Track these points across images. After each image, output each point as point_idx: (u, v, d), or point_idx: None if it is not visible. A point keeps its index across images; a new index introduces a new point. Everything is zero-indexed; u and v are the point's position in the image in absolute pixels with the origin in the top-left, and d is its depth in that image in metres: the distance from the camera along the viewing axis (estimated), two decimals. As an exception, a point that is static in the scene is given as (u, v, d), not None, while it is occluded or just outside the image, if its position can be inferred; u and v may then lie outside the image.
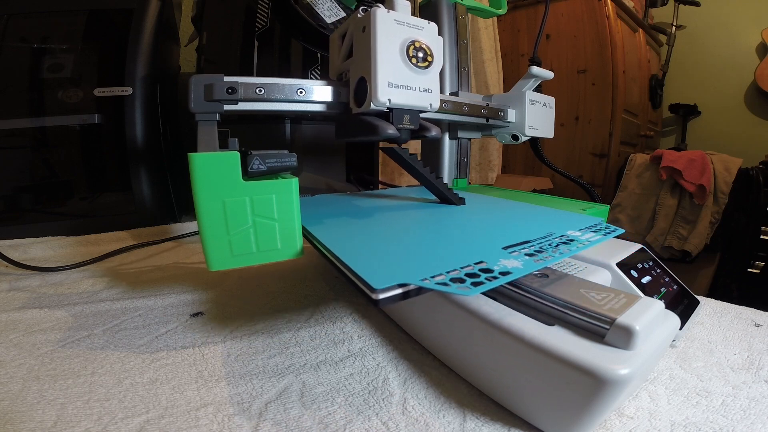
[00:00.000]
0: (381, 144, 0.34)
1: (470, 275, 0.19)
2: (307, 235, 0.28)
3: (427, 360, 0.29)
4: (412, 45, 0.27)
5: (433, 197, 0.41)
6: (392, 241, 0.26)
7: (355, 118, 0.30)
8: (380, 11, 0.26)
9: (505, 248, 0.24)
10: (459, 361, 0.27)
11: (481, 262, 0.21)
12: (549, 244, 0.25)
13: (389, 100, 0.27)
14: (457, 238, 0.27)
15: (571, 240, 0.26)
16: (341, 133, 0.34)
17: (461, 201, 0.39)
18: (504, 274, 0.20)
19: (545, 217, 0.33)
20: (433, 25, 0.29)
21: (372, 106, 0.27)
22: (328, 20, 0.53)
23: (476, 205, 0.39)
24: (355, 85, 0.29)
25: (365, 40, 0.27)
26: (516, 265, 0.21)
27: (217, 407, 0.23)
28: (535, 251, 0.23)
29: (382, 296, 0.18)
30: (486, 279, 0.19)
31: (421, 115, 0.35)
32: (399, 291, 0.19)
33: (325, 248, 0.25)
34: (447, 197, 0.39)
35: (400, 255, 0.23)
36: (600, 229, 0.28)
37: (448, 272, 0.20)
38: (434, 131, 0.31)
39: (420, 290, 0.19)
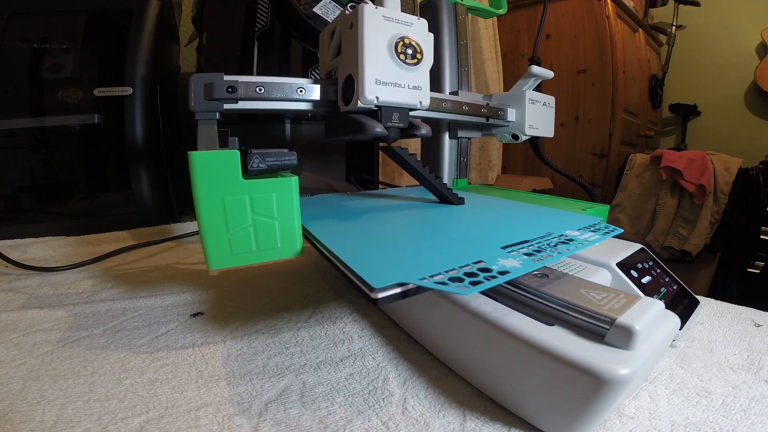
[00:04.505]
0: (380, 143, 0.33)
1: (469, 275, 0.19)
2: (306, 234, 0.28)
3: (427, 360, 0.29)
4: (401, 41, 0.27)
5: (433, 197, 0.41)
6: (391, 241, 0.26)
7: (342, 116, 0.30)
8: (368, 7, 0.26)
9: (504, 248, 0.24)
10: (459, 361, 0.27)
11: (479, 261, 0.21)
12: (548, 244, 0.25)
13: (377, 97, 0.26)
14: (456, 237, 0.27)
15: (570, 240, 0.26)
16: (330, 131, 0.33)
17: (460, 201, 0.39)
18: (502, 273, 0.20)
19: (544, 217, 0.33)
20: (423, 22, 0.28)
21: (359, 104, 0.27)
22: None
23: (475, 204, 0.39)
24: (342, 83, 0.29)
25: (353, 37, 0.27)
26: (515, 264, 0.21)
27: (217, 407, 0.23)
28: (534, 251, 0.23)
29: (381, 295, 0.18)
30: (484, 278, 0.19)
31: (420, 113, 0.34)
32: (398, 290, 0.19)
33: (324, 248, 0.25)
34: (446, 197, 0.39)
35: (399, 254, 0.23)
36: (599, 229, 0.28)
37: (446, 271, 0.20)
38: (424, 129, 0.31)
39: (419, 289, 0.19)
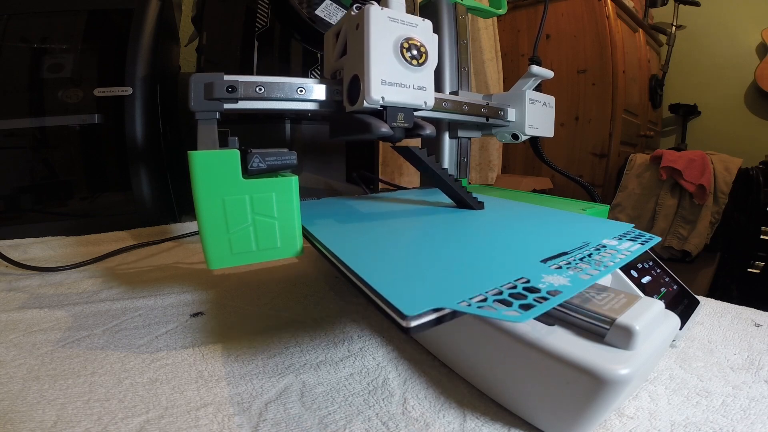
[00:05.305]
0: (395, 144, 0.32)
1: (515, 296, 0.17)
2: (321, 248, 0.26)
3: (427, 360, 0.29)
4: (406, 42, 0.27)
5: (448, 201, 0.39)
6: (416, 254, 0.24)
7: (348, 116, 0.30)
8: (374, 8, 0.26)
9: (544, 261, 0.22)
10: (459, 361, 0.27)
11: (521, 278, 0.19)
12: (589, 256, 0.23)
13: (383, 98, 0.27)
14: (487, 249, 0.24)
15: (611, 251, 0.24)
16: (335, 131, 0.33)
17: (480, 205, 0.37)
18: (552, 293, 0.17)
19: (574, 224, 0.31)
20: (428, 23, 0.29)
21: (365, 104, 0.27)
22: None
23: (497, 209, 0.37)
24: (348, 83, 0.29)
25: (358, 38, 0.27)
26: (563, 282, 0.19)
27: (217, 407, 0.23)
28: (576, 265, 0.21)
29: (413, 324, 0.16)
30: (534, 300, 0.17)
31: (420, 113, 0.34)
32: (433, 317, 0.16)
33: (344, 265, 0.22)
34: (465, 201, 0.37)
35: (428, 271, 0.21)
36: (636, 237, 0.26)
37: (487, 292, 0.17)
38: (429, 129, 0.31)
39: (455, 314, 0.17)
